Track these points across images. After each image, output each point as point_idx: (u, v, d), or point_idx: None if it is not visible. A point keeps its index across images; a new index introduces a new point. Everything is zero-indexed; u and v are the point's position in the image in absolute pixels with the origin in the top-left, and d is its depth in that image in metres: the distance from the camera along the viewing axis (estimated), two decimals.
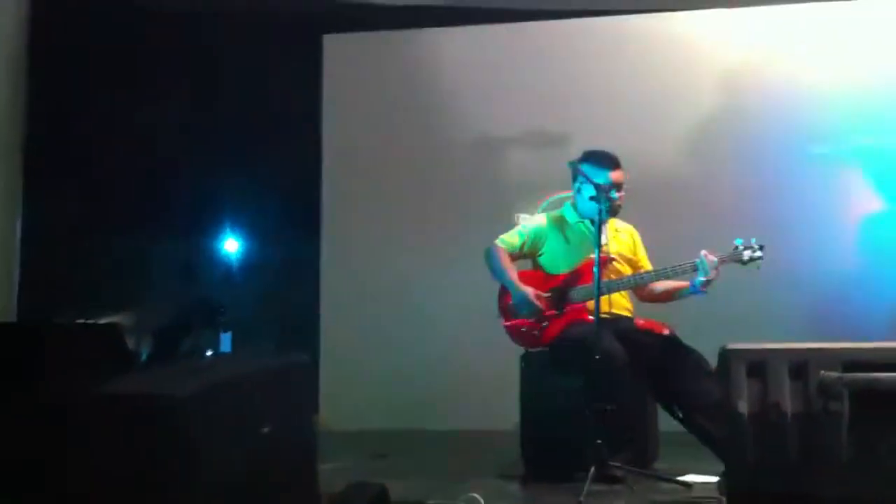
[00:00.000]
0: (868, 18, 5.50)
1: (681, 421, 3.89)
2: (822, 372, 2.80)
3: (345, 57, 6.03)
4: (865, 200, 5.37)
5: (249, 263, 6.53)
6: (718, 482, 3.30)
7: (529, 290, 4.05)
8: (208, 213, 6.48)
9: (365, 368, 5.70)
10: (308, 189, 6.08)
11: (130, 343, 4.98)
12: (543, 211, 4.40)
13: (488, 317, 4.20)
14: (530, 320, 4.06)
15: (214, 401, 2.53)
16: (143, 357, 5.65)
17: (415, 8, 5.99)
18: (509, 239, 4.24)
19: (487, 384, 5.16)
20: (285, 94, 6.08)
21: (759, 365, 2.86)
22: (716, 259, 3.84)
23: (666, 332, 4.00)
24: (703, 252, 3.86)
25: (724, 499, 3.05)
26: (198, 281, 6.49)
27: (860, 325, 5.00)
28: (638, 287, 4.15)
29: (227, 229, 6.54)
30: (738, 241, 3.88)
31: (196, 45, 6.07)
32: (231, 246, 6.53)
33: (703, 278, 3.86)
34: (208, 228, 6.50)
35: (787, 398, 2.81)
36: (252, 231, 6.52)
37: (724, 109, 5.57)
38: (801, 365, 2.83)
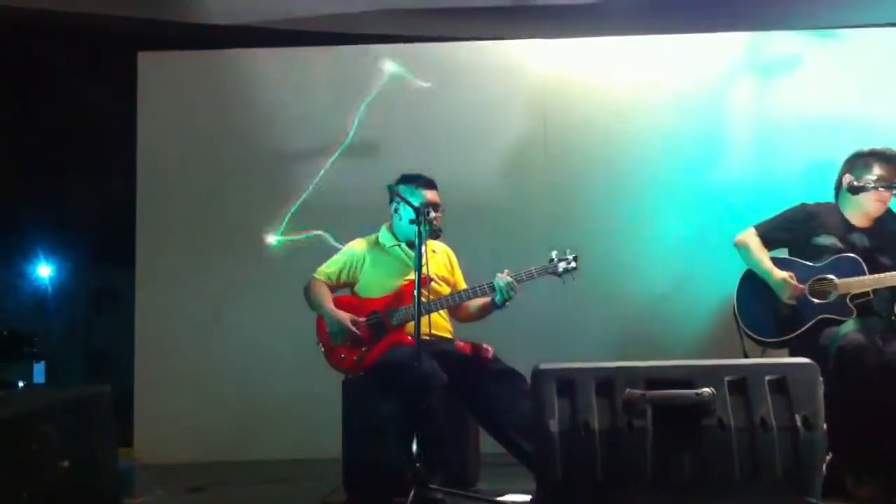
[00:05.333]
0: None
1: (499, 440, 3.94)
2: (627, 389, 2.91)
3: (160, 76, 5.83)
4: (674, 222, 5.60)
5: (63, 292, 6.23)
6: (531, 500, 3.36)
7: (345, 317, 4.03)
8: (21, 240, 6.16)
9: (181, 399, 5.47)
10: (123, 213, 5.82)
11: None
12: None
13: (307, 343, 4.14)
14: (348, 347, 4.04)
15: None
16: None
17: (236, 28, 5.89)
18: (326, 269, 4.24)
19: (308, 412, 5.08)
20: (100, 116, 5.83)
21: (568, 384, 2.94)
22: (510, 279, 3.93)
23: (486, 353, 4.07)
24: (498, 274, 3.97)
25: None
26: (8, 310, 6.17)
27: (665, 343, 5.26)
28: (453, 307, 4.21)
29: (40, 257, 6.22)
30: (553, 254, 4.00)
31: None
32: (44, 274, 6.21)
33: (499, 299, 3.98)
34: (20, 256, 6.17)
35: (594, 415, 2.90)
36: (66, 258, 6.23)
37: (539, 133, 5.71)
38: (607, 383, 2.93)
